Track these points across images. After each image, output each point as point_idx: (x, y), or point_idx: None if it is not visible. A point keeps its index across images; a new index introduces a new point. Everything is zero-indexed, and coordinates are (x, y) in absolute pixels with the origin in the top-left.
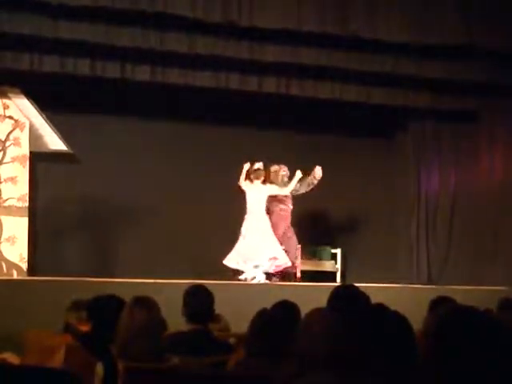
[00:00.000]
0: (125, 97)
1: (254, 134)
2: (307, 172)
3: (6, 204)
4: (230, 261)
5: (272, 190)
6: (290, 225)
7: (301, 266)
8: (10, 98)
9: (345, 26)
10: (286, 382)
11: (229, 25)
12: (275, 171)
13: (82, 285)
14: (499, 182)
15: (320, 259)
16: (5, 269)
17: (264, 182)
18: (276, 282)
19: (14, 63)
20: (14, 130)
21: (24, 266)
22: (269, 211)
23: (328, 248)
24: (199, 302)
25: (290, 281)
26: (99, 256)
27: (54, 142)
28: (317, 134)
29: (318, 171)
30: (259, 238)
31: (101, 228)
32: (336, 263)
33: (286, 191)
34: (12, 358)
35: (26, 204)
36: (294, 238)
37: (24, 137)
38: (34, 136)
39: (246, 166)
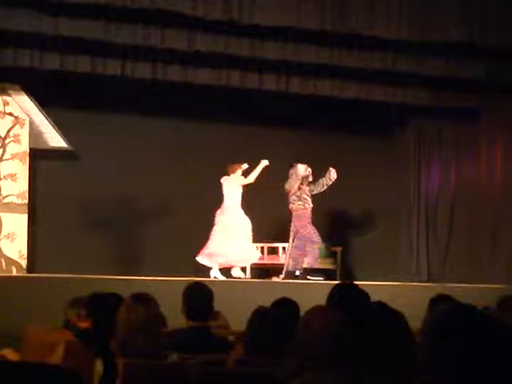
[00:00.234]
0: (125, 94)
1: (253, 132)
2: (322, 173)
3: (6, 201)
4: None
5: (242, 180)
6: (306, 224)
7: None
8: (10, 95)
9: (344, 23)
10: (285, 380)
11: (229, 22)
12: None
13: (82, 282)
14: (499, 180)
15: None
16: (4, 266)
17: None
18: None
19: (14, 60)
20: (14, 126)
21: (23, 262)
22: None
23: (327, 246)
24: (198, 300)
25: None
26: (98, 253)
27: (54, 139)
28: (317, 132)
29: (332, 173)
30: (232, 234)
31: (100, 225)
32: (335, 261)
33: (250, 179)
34: (11, 354)
35: (26, 201)
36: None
37: (24, 134)
38: (34, 133)
39: (244, 166)
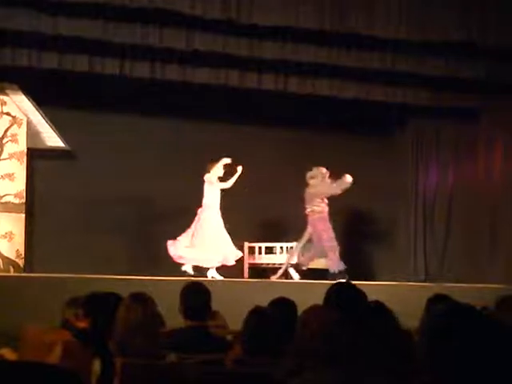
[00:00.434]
0: (123, 93)
1: (252, 132)
2: (337, 176)
3: (3, 200)
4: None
5: (220, 185)
6: (329, 226)
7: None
8: (7, 95)
9: (343, 23)
10: (284, 380)
11: (228, 22)
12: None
13: (79, 281)
14: (498, 180)
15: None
16: (2, 265)
17: (221, 178)
18: (273, 279)
19: (12, 60)
20: (11, 126)
21: (21, 262)
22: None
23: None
24: (196, 299)
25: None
26: (96, 252)
27: (52, 139)
28: (316, 132)
29: (348, 179)
30: (213, 234)
31: (97, 225)
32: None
33: (227, 185)
34: (9, 353)
35: (23, 200)
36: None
37: (21, 133)
38: (32, 133)
39: (224, 161)
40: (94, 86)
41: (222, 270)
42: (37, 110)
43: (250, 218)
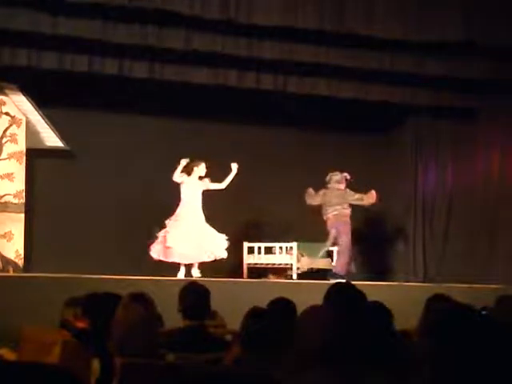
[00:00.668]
0: (122, 93)
1: (251, 131)
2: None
3: (3, 200)
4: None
5: (207, 185)
6: (343, 230)
7: (297, 263)
8: (6, 95)
9: (342, 22)
10: (283, 379)
11: (227, 22)
12: None
13: (79, 281)
14: (496, 180)
15: (316, 257)
16: (1, 265)
17: (201, 178)
18: (272, 279)
19: (11, 59)
20: (10, 126)
21: (20, 262)
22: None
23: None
24: (195, 299)
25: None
26: (95, 252)
27: (51, 139)
28: (315, 132)
29: (372, 197)
30: (197, 231)
31: (97, 225)
32: (332, 261)
33: (222, 186)
34: (8, 354)
35: (23, 200)
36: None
37: (21, 133)
38: (31, 132)
39: (183, 162)
40: (94, 86)
41: (222, 270)
42: (36, 110)
43: (248, 218)
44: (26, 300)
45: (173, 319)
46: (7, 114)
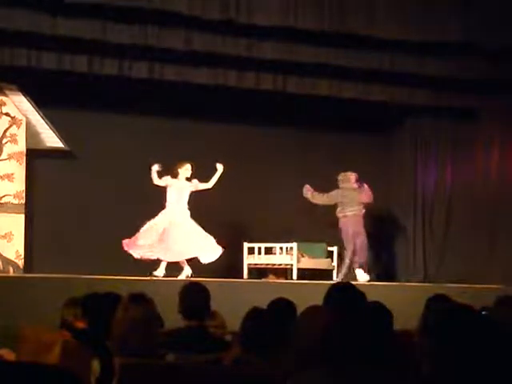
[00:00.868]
0: (122, 94)
1: (251, 131)
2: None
3: (3, 201)
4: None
5: (196, 186)
6: (361, 230)
7: (298, 264)
8: (6, 95)
9: (342, 23)
10: (283, 379)
11: (226, 22)
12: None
13: (79, 282)
14: (496, 179)
15: (316, 257)
16: (1, 266)
17: (188, 178)
18: (272, 279)
19: (11, 60)
20: (10, 126)
21: (20, 263)
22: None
23: (324, 245)
24: (195, 299)
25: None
26: (95, 253)
27: (51, 139)
28: (315, 132)
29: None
30: (185, 232)
31: (97, 225)
32: (332, 261)
33: (209, 185)
34: (8, 354)
35: (23, 201)
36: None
37: (21, 134)
38: (31, 133)
39: (154, 168)
40: (93, 86)
41: (220, 269)
42: (36, 110)
43: (249, 218)
44: (26, 300)
45: (173, 319)
46: (7, 114)
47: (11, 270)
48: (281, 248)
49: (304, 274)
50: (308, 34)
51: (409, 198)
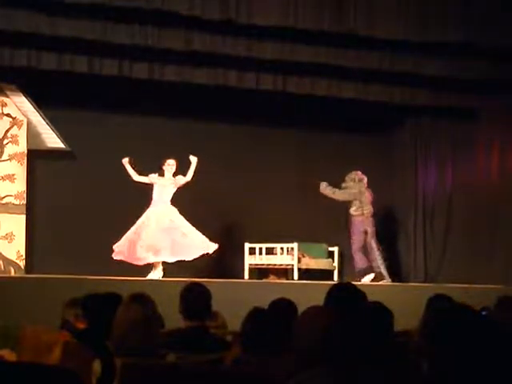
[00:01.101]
0: (122, 94)
1: (251, 132)
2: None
3: (4, 201)
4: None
5: (178, 181)
6: (362, 230)
7: (298, 264)
8: (7, 96)
9: (342, 23)
10: (283, 379)
11: (226, 22)
12: None
13: (80, 282)
14: (496, 179)
15: (317, 257)
16: (2, 266)
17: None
18: (274, 279)
19: (11, 60)
20: (11, 127)
21: (22, 263)
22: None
23: (325, 246)
24: (196, 299)
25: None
26: (96, 253)
27: (52, 140)
28: (315, 132)
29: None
30: (176, 229)
31: (98, 225)
32: (333, 261)
33: (188, 178)
34: (9, 355)
35: (24, 201)
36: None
37: (22, 134)
38: (32, 134)
39: (125, 161)
40: (94, 86)
41: (221, 269)
42: (37, 111)
43: (251, 218)
44: (27, 301)
45: (174, 320)
46: (8, 115)
47: (12, 270)
48: (282, 248)
49: (305, 274)
50: (308, 34)
51: (409, 199)
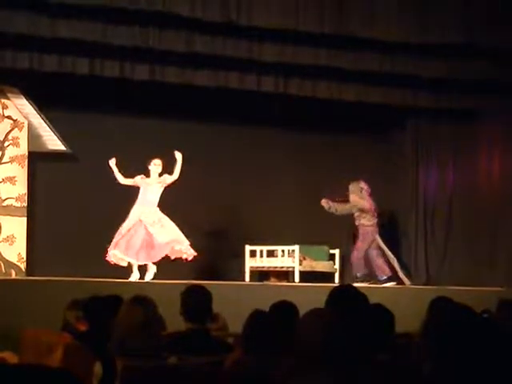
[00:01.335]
0: (123, 96)
1: (252, 133)
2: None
3: (5, 204)
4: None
5: (165, 180)
6: (371, 240)
7: (300, 266)
8: (8, 98)
9: (343, 25)
10: (284, 381)
11: (227, 24)
12: None
13: (81, 284)
14: (497, 181)
15: (318, 259)
16: (3, 269)
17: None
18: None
19: (12, 62)
20: (12, 129)
21: (22, 265)
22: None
23: (326, 248)
24: (197, 302)
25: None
26: (97, 255)
27: (53, 142)
28: (315, 134)
29: None
30: (162, 228)
31: (99, 228)
32: (334, 264)
33: (175, 176)
34: (11, 357)
35: (25, 204)
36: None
37: (23, 137)
38: (33, 136)
39: (112, 163)
40: (94, 88)
41: (223, 272)
42: (38, 113)
43: (252, 221)
44: (29, 303)
45: (175, 322)
46: (9, 117)
47: (13, 272)
48: (283, 251)
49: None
50: (309, 36)
51: (410, 201)
